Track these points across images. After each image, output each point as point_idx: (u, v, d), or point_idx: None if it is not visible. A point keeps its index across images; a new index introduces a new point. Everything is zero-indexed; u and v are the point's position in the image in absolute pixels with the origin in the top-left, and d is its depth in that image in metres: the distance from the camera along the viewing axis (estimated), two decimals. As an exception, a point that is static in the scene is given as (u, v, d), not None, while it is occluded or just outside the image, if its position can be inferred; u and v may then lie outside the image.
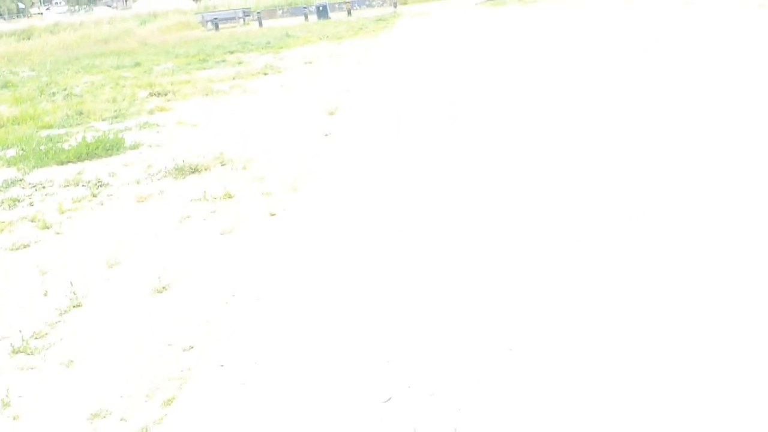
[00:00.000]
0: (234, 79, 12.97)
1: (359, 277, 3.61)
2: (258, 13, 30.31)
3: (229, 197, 5.33)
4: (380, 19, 25.96)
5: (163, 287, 3.77)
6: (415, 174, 5.46)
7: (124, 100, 11.25)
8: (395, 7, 31.40)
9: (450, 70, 11.34)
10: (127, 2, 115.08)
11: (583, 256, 3.57)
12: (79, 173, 6.57)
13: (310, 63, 14.43)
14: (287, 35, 21.99)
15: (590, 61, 10.52)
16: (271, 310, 3.36)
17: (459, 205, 4.55)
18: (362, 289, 3.47)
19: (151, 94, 11.79)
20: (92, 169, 6.73)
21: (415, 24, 23.13)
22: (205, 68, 15.68)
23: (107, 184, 6.15)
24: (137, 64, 17.89)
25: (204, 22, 31.78)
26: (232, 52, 18.97)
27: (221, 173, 6.09)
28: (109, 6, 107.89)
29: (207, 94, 11.25)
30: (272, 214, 4.79)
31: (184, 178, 6.04)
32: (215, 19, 29.77)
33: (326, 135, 7.37)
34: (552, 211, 4.24)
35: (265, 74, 13.16)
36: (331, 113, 8.55)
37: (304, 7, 30.97)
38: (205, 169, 6.19)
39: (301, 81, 11.85)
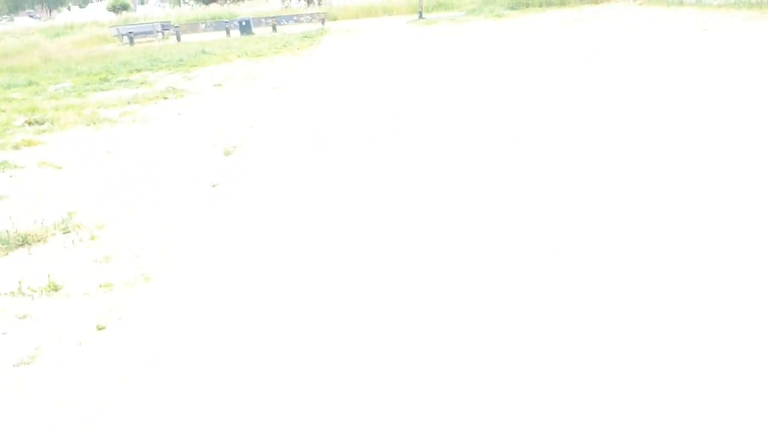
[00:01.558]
0: (129, 103, 11.36)
1: None
2: (176, 27, 28.41)
3: (54, 289, 3.85)
4: (306, 36, 24.63)
5: None
6: (316, 250, 4.12)
7: (-10, 129, 9.52)
8: (323, 23, 30.12)
9: (371, 98, 10.09)
10: (52, 12, 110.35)
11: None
12: None
13: (220, 86, 12.92)
14: (203, 52, 20.37)
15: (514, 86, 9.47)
16: None
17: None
18: None
19: (27, 122, 10.07)
20: None
21: (342, 42, 21.89)
22: (103, 89, 13.96)
23: None
24: (32, 83, 15.95)
25: (119, 36, 29.68)
26: (138, 70, 17.26)
27: (58, 247, 4.58)
28: (32, 16, 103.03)
29: (91, 124, 9.62)
30: (100, 328, 3.34)
31: (6, 253, 4.51)
32: (130, 33, 27.74)
33: (214, 186, 5.95)
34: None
35: (165, 98, 11.59)
36: (228, 153, 7.13)
37: (226, 22, 29.31)
38: (40, 240, 4.68)
39: (204, 109, 10.36)
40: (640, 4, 26.02)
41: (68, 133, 9.12)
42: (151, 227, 4.87)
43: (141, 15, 49.15)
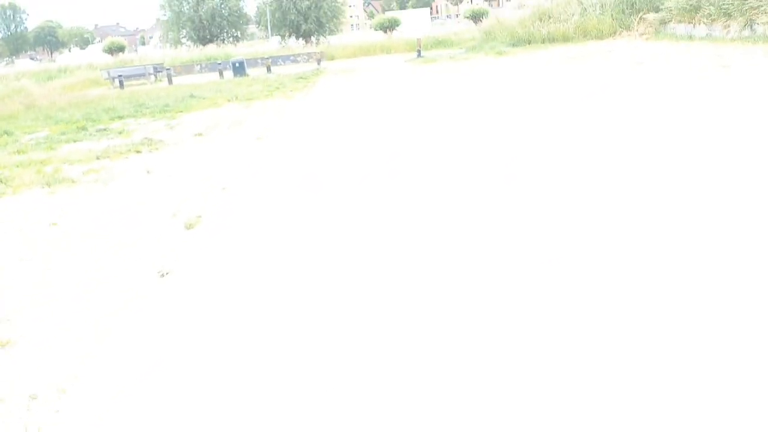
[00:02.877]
0: (98, 158, 10.30)
1: None
2: (167, 69, 27.62)
3: None
4: (301, 77, 23.77)
5: None
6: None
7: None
8: (319, 63, 29.34)
9: (361, 150, 9.01)
10: (53, 55, 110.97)
11: None
12: None
13: (201, 136, 11.88)
14: (191, 96, 19.45)
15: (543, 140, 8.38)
16: None
17: None
18: None
19: (-21, 182, 9.02)
20: None
21: (337, 83, 20.98)
22: (77, 140, 12.94)
23: None
24: (5, 133, 14.94)
25: (110, 79, 28.92)
26: (121, 117, 16.30)
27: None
28: (33, 59, 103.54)
29: (49, 184, 8.53)
30: None
31: None
32: (120, 76, 26.94)
33: (163, 275, 4.81)
34: None
35: (138, 152, 10.52)
36: (189, 227, 6.00)
37: (219, 63, 28.52)
38: None
39: (177, 164, 9.29)
40: (646, 39, 25.20)
41: (17, 197, 8.02)
42: (66, 343, 3.71)
43: (137, 57, 48.74)
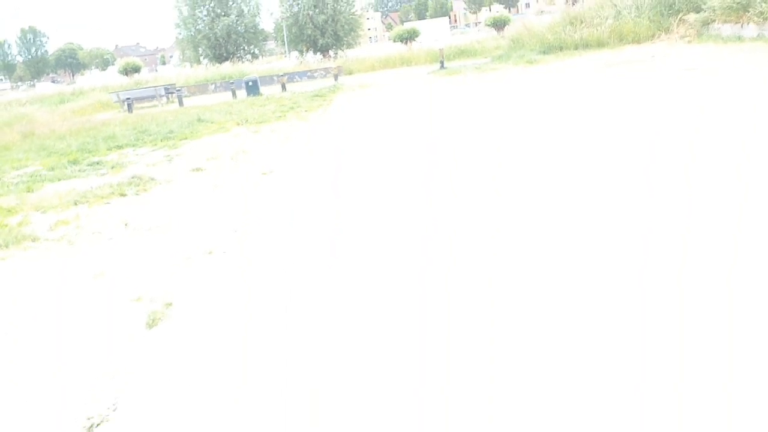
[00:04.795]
0: (76, 204, 8.76)
1: None
2: (178, 90, 26.25)
3: None
4: (317, 95, 22.20)
5: None
6: None
7: None
8: (336, 79, 27.79)
9: (388, 190, 7.34)
10: (74, 77, 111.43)
11: None
12: None
13: (200, 171, 10.29)
14: (199, 120, 17.94)
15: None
16: None
17: None
18: None
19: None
20: None
21: (356, 101, 19.35)
22: (64, 177, 11.44)
23: None
24: (-8, 168, 13.61)
25: (120, 102, 27.65)
26: (119, 147, 14.82)
27: None
28: (55, 82, 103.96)
29: (5, 245, 6.97)
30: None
31: None
32: (128, 99, 25.61)
33: (88, 430, 3.15)
34: None
35: (123, 195, 8.95)
36: (152, 323, 4.35)
37: (231, 82, 27.09)
38: None
39: (163, 213, 7.68)
40: (688, 42, 23.26)
41: (-38, 264, 6.46)
42: None
43: (152, 78, 47.72)
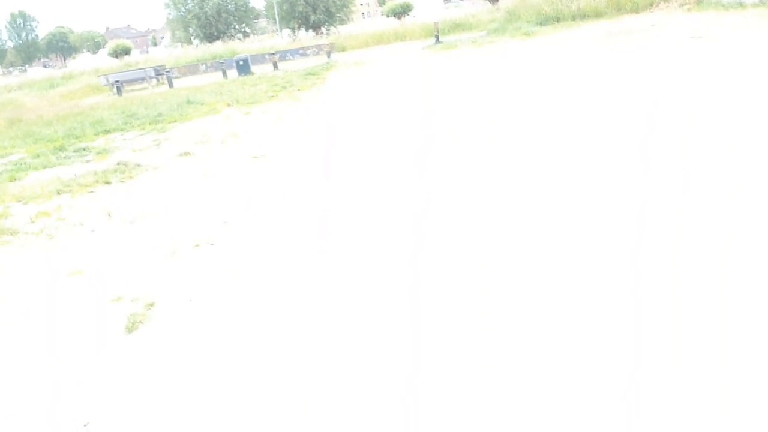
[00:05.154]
0: (59, 193, 8.38)
1: None
2: (168, 71, 25.67)
3: None
4: (310, 73, 21.69)
5: None
6: None
7: None
8: (329, 56, 27.21)
9: (382, 174, 6.97)
10: (66, 60, 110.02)
11: None
12: None
13: (188, 155, 9.90)
14: (188, 102, 17.46)
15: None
16: None
17: None
18: None
19: None
20: None
21: (349, 79, 18.87)
22: (49, 165, 11.04)
23: None
24: (-25, 157, 13.19)
25: (109, 85, 27.09)
26: (107, 132, 14.39)
27: None
28: (47, 66, 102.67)
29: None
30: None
31: None
32: (117, 82, 25.04)
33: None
34: None
35: (108, 183, 8.57)
36: (132, 327, 4.00)
37: (222, 62, 26.51)
38: None
39: (148, 201, 7.31)
40: (688, 10, 22.71)
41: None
42: None
43: (142, 59, 46.96)
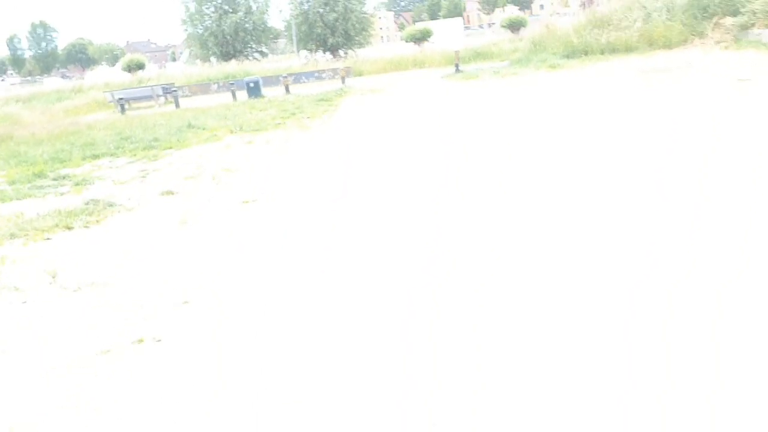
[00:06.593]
0: (11, 237, 7.12)
1: None
2: (175, 90, 24.62)
3: None
4: (322, 99, 20.52)
5: None
6: None
7: None
8: (343, 81, 26.07)
9: (394, 231, 5.63)
10: (85, 72, 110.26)
11: None
12: None
13: (171, 195, 8.64)
14: (189, 125, 16.29)
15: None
16: None
17: None
18: None
19: None
20: None
21: (364, 108, 17.63)
22: (20, 196, 9.87)
23: None
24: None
25: (114, 102, 26.08)
26: (95, 157, 13.23)
27: None
28: (65, 77, 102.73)
29: None
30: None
31: None
32: (121, 99, 23.99)
33: None
34: None
35: (69, 228, 7.28)
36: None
37: (232, 83, 25.43)
38: None
39: (107, 259, 6.01)
40: (724, 47, 21.41)
41: None
42: None
43: (156, 75, 46.15)
